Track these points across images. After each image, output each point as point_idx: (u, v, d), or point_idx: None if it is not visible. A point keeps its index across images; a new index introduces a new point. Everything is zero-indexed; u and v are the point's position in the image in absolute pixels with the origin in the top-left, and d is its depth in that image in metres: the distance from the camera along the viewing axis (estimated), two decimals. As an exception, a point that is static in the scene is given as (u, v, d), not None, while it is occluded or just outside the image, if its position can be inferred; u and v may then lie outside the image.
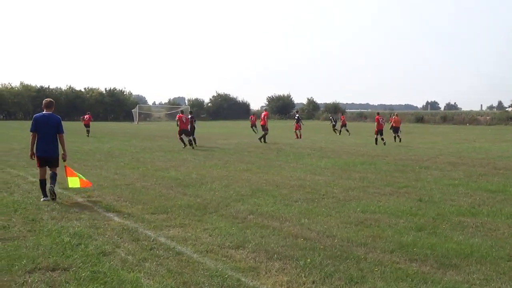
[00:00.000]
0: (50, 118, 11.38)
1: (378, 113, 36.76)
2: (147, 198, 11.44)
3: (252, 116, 51.73)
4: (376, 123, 31.87)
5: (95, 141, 30.94)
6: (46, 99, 11.87)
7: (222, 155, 22.45)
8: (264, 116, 31.70)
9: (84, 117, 41.91)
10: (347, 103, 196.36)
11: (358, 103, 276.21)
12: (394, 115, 36.97)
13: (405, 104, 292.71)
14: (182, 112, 29.62)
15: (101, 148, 25.36)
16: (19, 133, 40.06)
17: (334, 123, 49.07)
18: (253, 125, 48.47)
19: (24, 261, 6.73)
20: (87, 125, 40.17)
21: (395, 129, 34.15)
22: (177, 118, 27.77)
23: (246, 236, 8.16)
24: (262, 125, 31.39)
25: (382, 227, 8.86)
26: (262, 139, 30.52)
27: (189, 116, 28.40)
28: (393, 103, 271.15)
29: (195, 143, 26.73)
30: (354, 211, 10.25)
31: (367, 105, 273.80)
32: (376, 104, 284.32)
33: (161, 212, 9.95)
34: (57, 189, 11.74)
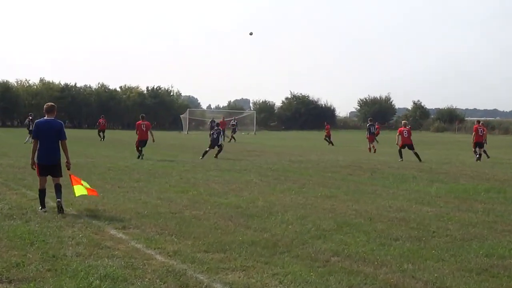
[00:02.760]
0: (51, 123, 13.61)
1: (478, 122, 37.46)
2: (199, 231, 11.59)
3: (327, 125, 52.88)
4: (474, 134, 33.64)
5: (133, 155, 31.66)
6: (48, 103, 14.11)
7: (298, 176, 22.51)
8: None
9: (99, 122, 44.35)
10: (467, 109, 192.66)
11: (482, 109, 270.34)
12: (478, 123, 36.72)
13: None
14: (143, 118, 30.53)
15: (141, 165, 25.91)
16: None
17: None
18: (328, 136, 49.33)
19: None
20: (102, 131, 43.02)
21: (478, 144, 34.42)
22: (136, 126, 31.27)
23: (329, 285, 8.15)
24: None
25: (515, 278, 8.66)
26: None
27: (215, 125, 31.72)
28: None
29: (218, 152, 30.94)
30: (476, 254, 10.05)
31: (494, 112, 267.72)
32: (508, 111, 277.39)
33: (217, 250, 10.08)
34: (84, 217, 12.08)
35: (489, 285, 8.25)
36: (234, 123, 58.25)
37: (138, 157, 29.45)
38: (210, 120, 70.86)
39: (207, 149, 31.43)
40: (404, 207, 15.17)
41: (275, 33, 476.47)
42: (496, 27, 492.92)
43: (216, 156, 30.77)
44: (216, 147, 31.39)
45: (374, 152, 39.71)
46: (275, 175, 22.80)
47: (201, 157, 30.40)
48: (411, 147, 31.88)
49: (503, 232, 12.09)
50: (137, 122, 31.48)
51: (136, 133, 31.06)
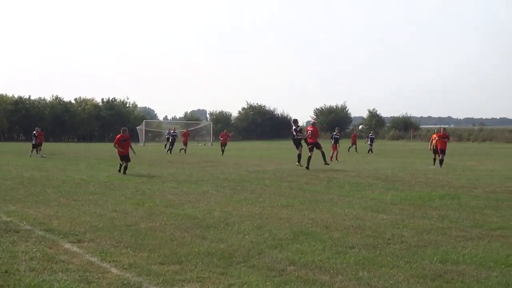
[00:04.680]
0: None
1: (442, 129, 38.57)
2: (155, 243, 11.54)
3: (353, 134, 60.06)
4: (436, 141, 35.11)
5: (89, 168, 31.35)
6: None
7: (255, 186, 22.53)
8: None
9: (35, 134, 43.85)
10: (422, 117, 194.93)
11: (436, 116, 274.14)
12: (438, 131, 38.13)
13: (500, 118, 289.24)
14: (124, 131, 29.75)
15: (96, 177, 25.70)
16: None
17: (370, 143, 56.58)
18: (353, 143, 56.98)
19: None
20: (39, 144, 42.71)
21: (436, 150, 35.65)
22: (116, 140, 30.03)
23: (284, 294, 8.15)
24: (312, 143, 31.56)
25: (468, 283, 8.78)
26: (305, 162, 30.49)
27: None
28: (484, 117, 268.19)
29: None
30: (430, 261, 10.16)
31: (448, 120, 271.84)
32: (462, 118, 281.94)
33: (173, 262, 10.02)
34: (38, 231, 11.94)
35: (443, 291, 8.34)
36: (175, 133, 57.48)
37: (120, 171, 28.53)
38: (167, 131, 70.30)
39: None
40: (360, 215, 15.28)
41: (231, 43, 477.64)
42: (450, 36, 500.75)
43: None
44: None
45: (336, 159, 41.16)
46: (231, 185, 22.79)
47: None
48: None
49: (457, 238, 12.24)
50: (117, 136, 30.15)
51: (116, 146, 29.48)
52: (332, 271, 9.40)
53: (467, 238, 12.21)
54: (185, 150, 53.53)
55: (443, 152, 34.27)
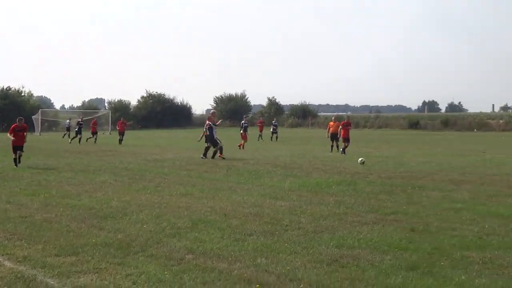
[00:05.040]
0: None
1: (346, 117, 40.96)
2: (50, 235, 11.29)
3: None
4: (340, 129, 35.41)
5: (-19, 159, 30.38)
6: None
7: (153, 175, 22.35)
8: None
9: None
10: (320, 105, 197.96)
11: (334, 104, 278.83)
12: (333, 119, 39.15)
13: (396, 105, 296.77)
14: (20, 121, 27.86)
15: (-11, 169, 24.92)
16: None
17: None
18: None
19: None
20: None
21: (332, 136, 36.71)
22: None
23: (183, 282, 8.14)
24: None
25: (363, 267, 8.97)
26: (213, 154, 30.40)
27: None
28: (380, 104, 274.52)
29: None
30: (327, 246, 10.34)
31: (346, 107, 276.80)
32: (358, 106, 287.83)
33: (69, 253, 9.84)
34: None
35: (339, 275, 8.49)
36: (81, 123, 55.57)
37: (16, 165, 26.62)
38: (67, 121, 68.47)
39: None
40: (259, 202, 15.38)
41: (128, 30, 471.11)
42: (344, 22, 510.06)
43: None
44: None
45: (243, 148, 40.57)
46: (130, 174, 22.54)
47: None
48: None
49: (352, 223, 12.49)
50: (13, 126, 28.09)
51: (10, 136, 27.41)
52: (230, 259, 9.44)
53: (362, 223, 12.48)
54: (95, 139, 51.64)
55: (347, 140, 34.83)
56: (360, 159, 26.76)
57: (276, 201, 15.60)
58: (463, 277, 8.38)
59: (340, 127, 35.37)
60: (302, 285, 8.03)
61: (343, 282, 8.17)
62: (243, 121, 44.80)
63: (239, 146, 41.09)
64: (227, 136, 42.67)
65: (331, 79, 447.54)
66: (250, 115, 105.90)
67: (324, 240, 10.78)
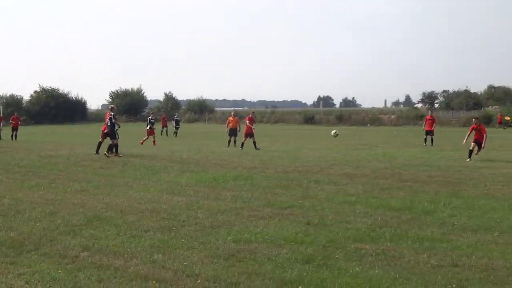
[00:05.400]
0: None
1: (251, 112, 41.13)
2: None
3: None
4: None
5: None
6: None
7: (47, 171, 21.84)
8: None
9: None
10: (217, 100, 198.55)
11: (231, 99, 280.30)
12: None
13: (291, 100, 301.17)
14: None
15: None
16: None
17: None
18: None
19: None
20: None
21: (231, 132, 37.43)
22: None
23: (77, 281, 8.00)
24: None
25: (260, 261, 9.04)
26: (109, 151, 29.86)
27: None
28: (276, 99, 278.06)
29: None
30: (224, 241, 10.37)
31: (243, 102, 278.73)
32: (255, 101, 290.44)
33: (-42, 253, 9.51)
34: None
35: (236, 270, 8.53)
36: None
37: None
38: None
39: None
40: (155, 198, 15.28)
41: (24, 24, 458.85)
42: (240, 18, 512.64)
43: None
44: None
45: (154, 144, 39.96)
46: (23, 171, 21.92)
47: None
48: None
49: (249, 218, 12.56)
50: None
51: None
52: (126, 255, 9.34)
53: (259, 217, 12.57)
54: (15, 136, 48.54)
55: (251, 135, 34.96)
56: (333, 131, 26.58)
57: (173, 197, 15.52)
58: (357, 269, 8.56)
59: (247, 121, 35.59)
60: (199, 281, 8.02)
61: (240, 276, 8.21)
62: (150, 117, 44.14)
63: (142, 142, 40.67)
64: (124, 131, 41.98)
65: (228, 75, 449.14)
66: (162, 111, 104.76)
67: (221, 235, 10.80)
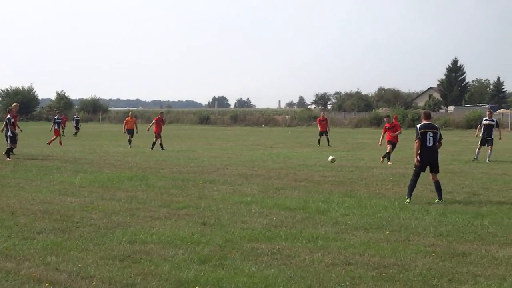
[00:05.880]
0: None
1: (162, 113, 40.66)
2: None
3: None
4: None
5: None
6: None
7: None
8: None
9: None
10: (111, 99, 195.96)
11: (125, 99, 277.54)
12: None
13: (186, 101, 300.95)
14: None
15: None
16: None
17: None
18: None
19: None
20: None
21: (129, 132, 37.31)
22: None
23: (-34, 285, 7.73)
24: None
25: (156, 261, 9.00)
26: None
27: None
28: (171, 99, 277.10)
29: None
30: (119, 242, 10.26)
31: (137, 102, 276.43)
32: (149, 101, 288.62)
33: None
34: None
35: (132, 271, 8.45)
36: None
37: None
38: None
39: None
40: (48, 199, 14.95)
41: None
42: (139, 18, 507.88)
43: None
44: None
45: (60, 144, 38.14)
46: None
47: None
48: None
49: (145, 218, 12.47)
50: None
51: None
52: (18, 258, 9.11)
53: (155, 218, 12.50)
54: None
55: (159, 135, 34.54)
56: (330, 157, 25.19)
57: (66, 198, 15.23)
58: (253, 268, 8.63)
59: (155, 121, 34.99)
60: (94, 283, 7.91)
61: (136, 277, 8.15)
62: (55, 117, 42.76)
63: (52, 142, 38.84)
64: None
65: (123, 74, 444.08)
66: (55, 110, 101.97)
67: (117, 236, 10.68)
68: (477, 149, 26.62)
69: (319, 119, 39.69)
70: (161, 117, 36.26)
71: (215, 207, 13.87)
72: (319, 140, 38.43)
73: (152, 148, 33.47)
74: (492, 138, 26.55)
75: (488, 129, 26.69)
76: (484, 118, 27.71)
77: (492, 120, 27.28)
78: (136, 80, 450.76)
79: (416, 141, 15.05)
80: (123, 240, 10.39)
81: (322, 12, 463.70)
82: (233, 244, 10.15)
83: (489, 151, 25.97)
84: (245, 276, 8.26)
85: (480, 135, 26.83)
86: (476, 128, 30.01)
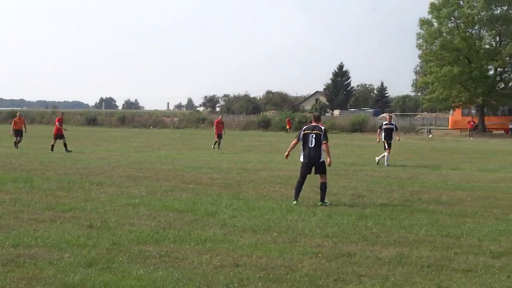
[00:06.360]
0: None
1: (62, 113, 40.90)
2: None
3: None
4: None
5: None
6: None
7: None
8: None
9: None
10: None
11: (9, 99, 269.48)
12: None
13: (73, 101, 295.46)
14: None
15: None
16: None
17: None
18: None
19: None
20: None
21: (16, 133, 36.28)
22: None
23: None
24: None
25: (41, 265, 8.81)
26: None
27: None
28: (56, 100, 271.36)
29: None
30: (2, 246, 10.00)
31: (21, 102, 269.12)
32: (34, 101, 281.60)
33: None
34: None
35: (16, 275, 8.23)
36: None
37: None
38: None
39: None
40: None
41: None
42: (63, 17, 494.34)
43: None
44: None
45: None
46: None
47: None
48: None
49: (29, 221, 12.17)
50: None
51: None
52: None
53: (39, 221, 12.22)
54: None
55: (61, 137, 33.56)
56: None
57: None
58: (141, 271, 8.57)
59: (57, 123, 34.59)
60: (-25, 288, 7.66)
61: (19, 282, 7.94)
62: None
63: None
64: None
65: (5, 72, 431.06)
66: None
67: (-1, 240, 10.39)
68: (386, 153, 26.80)
69: (217, 121, 39.89)
70: (61, 117, 35.82)
71: (102, 210, 13.68)
72: (215, 143, 38.38)
73: (51, 150, 32.80)
74: (391, 142, 27.27)
75: (389, 132, 27.41)
76: (384, 123, 28.48)
77: (392, 124, 28.12)
78: (20, 79, 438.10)
79: (294, 140, 15.64)
80: (6, 243, 10.09)
81: (217, 16, 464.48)
82: (121, 247, 10.05)
83: (386, 154, 26.66)
84: (132, 279, 8.19)
85: (383, 139, 27.42)
86: (376, 132, 30.54)
